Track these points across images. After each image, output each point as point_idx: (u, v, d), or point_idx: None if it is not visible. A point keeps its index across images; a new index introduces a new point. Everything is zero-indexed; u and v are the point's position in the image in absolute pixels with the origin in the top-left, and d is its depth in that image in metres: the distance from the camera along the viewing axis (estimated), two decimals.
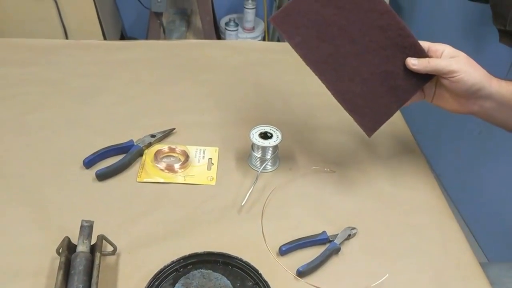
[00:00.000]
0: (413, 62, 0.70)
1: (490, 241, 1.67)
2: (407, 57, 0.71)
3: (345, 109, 0.72)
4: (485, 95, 0.70)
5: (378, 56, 0.71)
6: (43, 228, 0.70)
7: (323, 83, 0.70)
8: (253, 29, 2.32)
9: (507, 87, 0.71)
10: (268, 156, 0.81)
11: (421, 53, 0.72)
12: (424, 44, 0.72)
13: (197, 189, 0.79)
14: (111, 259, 0.66)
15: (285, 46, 1.45)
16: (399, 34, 0.71)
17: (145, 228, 0.71)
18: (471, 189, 1.76)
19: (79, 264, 0.59)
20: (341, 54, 0.70)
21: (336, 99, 0.71)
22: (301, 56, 0.69)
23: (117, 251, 0.66)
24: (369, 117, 0.73)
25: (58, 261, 0.60)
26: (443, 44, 0.71)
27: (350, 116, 0.72)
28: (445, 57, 0.70)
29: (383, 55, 0.71)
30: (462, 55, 0.70)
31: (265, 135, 0.81)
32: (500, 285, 0.83)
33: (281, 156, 0.85)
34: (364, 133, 0.74)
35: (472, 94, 0.69)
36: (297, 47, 0.68)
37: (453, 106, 0.74)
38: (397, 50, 0.71)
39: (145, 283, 0.60)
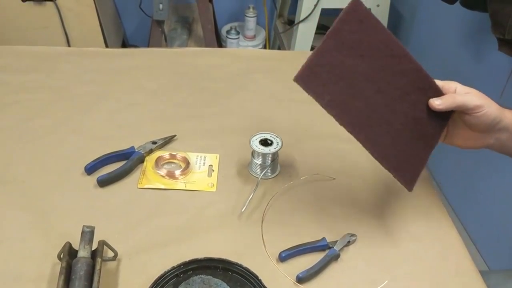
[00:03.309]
0: (437, 103, 0.67)
1: (491, 249, 1.66)
2: (428, 99, 0.68)
3: (386, 168, 0.66)
4: (503, 127, 0.68)
5: (405, 103, 0.67)
6: (44, 234, 0.70)
7: (361, 143, 0.64)
8: (254, 37, 2.34)
9: None
10: (268, 163, 0.82)
11: (439, 93, 0.69)
12: (438, 83, 0.70)
13: (197, 195, 0.79)
14: (111, 264, 0.67)
15: (286, 54, 1.46)
16: (418, 76, 0.68)
17: (145, 234, 0.72)
18: (472, 197, 1.76)
19: (80, 270, 0.60)
20: (371, 107, 0.65)
21: (377, 159, 0.65)
22: (334, 117, 0.63)
23: (118, 257, 0.66)
24: (408, 171, 0.69)
25: (59, 266, 0.61)
26: (453, 82, 0.70)
27: None
28: (460, 94, 0.68)
29: (409, 102, 0.67)
30: (475, 90, 0.68)
31: (265, 142, 0.82)
32: None
33: (281, 163, 0.85)
34: None
35: (493, 127, 0.68)
36: (328, 107, 0.62)
37: (468, 143, 0.72)
38: (419, 94, 0.68)
39: None
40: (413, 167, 0.69)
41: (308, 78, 0.62)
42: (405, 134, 0.68)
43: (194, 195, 0.79)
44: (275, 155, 0.82)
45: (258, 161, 0.82)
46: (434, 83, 0.69)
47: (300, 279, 0.65)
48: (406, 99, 0.67)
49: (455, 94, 0.68)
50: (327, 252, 0.69)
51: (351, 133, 0.64)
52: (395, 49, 0.67)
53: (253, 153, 0.82)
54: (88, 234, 0.64)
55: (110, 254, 0.66)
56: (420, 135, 0.69)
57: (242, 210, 0.75)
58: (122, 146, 0.85)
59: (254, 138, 0.82)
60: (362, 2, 0.65)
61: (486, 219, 1.68)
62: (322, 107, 0.62)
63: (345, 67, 0.64)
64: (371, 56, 0.65)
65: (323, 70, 0.62)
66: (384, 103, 0.66)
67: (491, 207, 1.64)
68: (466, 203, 1.79)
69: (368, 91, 0.65)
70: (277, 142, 0.82)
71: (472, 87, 0.70)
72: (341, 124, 0.63)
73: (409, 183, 0.69)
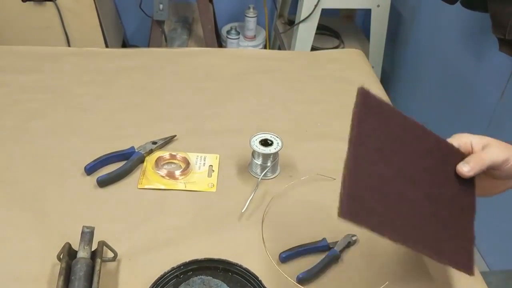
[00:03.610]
0: (466, 170, 0.61)
1: (492, 250, 1.66)
2: (453, 167, 0.62)
3: (445, 263, 0.60)
4: None
5: (440, 186, 0.61)
6: (44, 234, 0.70)
7: (417, 251, 0.59)
8: (254, 37, 2.34)
9: None
10: (269, 163, 0.82)
11: (461, 154, 0.63)
12: (453, 142, 0.64)
13: (197, 196, 0.79)
14: (111, 265, 0.66)
15: (286, 54, 1.46)
16: (439, 148, 0.62)
17: (145, 235, 0.71)
18: None
19: (80, 270, 0.59)
20: (415, 207, 0.58)
21: (434, 259, 0.58)
22: (388, 238, 0.53)
23: (117, 257, 0.66)
24: (464, 257, 0.62)
25: (59, 267, 0.61)
26: (464, 134, 0.64)
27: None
28: (478, 147, 0.63)
29: (442, 182, 0.61)
30: (492, 140, 0.63)
31: (265, 142, 0.82)
32: None
33: (281, 163, 0.85)
34: None
35: None
36: (383, 231, 0.53)
37: (492, 191, 0.67)
38: (446, 166, 0.62)
39: None
40: (466, 248, 0.62)
41: (354, 210, 0.51)
42: (451, 219, 0.61)
43: (194, 196, 0.79)
44: (275, 156, 0.82)
45: (259, 161, 0.82)
46: (453, 147, 0.63)
47: (301, 280, 0.65)
48: (438, 181, 0.61)
49: (480, 155, 0.62)
50: (328, 253, 0.69)
51: (405, 246, 0.56)
52: (414, 130, 0.61)
53: (253, 153, 0.82)
54: (87, 234, 0.64)
55: (110, 254, 0.66)
56: (461, 213, 0.62)
57: (242, 211, 0.75)
58: (122, 146, 0.85)
59: (254, 138, 0.82)
60: (369, 91, 0.59)
61: (486, 219, 1.68)
62: (372, 231, 0.52)
63: (381, 175, 0.56)
64: (398, 150, 0.58)
65: (364, 192, 0.53)
66: (424, 196, 0.59)
67: (492, 207, 1.64)
68: None
69: (407, 191, 0.57)
70: (277, 143, 0.82)
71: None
72: (393, 241, 0.54)
73: (469, 267, 0.61)
